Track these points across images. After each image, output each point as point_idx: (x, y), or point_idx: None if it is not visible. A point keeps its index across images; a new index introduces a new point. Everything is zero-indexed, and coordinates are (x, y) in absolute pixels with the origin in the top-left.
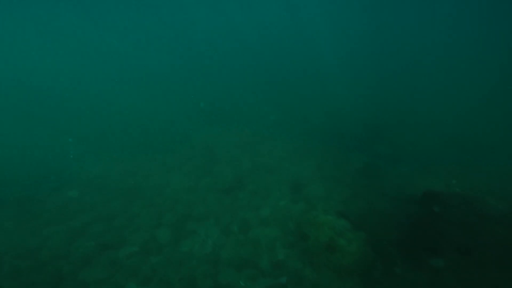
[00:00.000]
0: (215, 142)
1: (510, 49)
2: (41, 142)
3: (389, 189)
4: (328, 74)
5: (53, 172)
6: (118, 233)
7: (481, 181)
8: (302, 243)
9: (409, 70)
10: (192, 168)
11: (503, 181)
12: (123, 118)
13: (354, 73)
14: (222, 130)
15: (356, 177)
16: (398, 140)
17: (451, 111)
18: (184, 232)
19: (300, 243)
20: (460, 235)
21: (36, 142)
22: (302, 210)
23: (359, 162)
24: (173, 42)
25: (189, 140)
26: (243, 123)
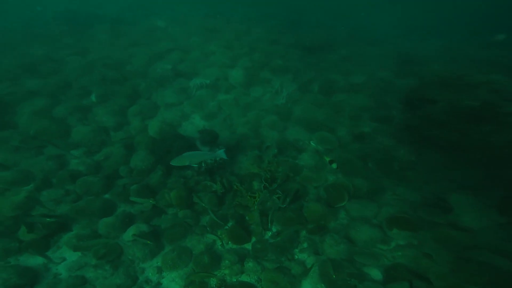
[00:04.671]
0: (306, 6)
1: None
2: None
3: None
4: None
5: (146, 2)
6: (193, 64)
7: None
8: (408, 115)
9: None
10: (276, 25)
11: None
12: None
13: None
14: None
15: None
16: None
17: None
18: (257, 79)
19: (400, 116)
20: None
21: None
22: (413, 85)
23: None
24: None
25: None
26: None
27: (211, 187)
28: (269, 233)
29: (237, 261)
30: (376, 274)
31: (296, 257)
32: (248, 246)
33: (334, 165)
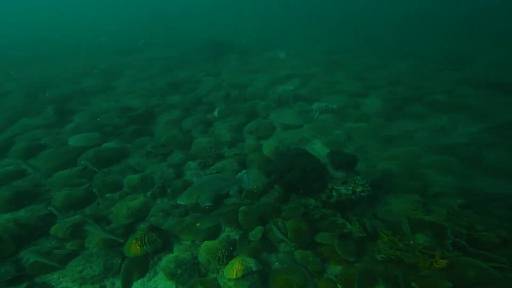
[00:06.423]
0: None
1: None
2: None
3: None
4: None
5: (270, 40)
6: (315, 90)
7: None
8: None
9: None
10: (425, 63)
11: None
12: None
13: None
14: None
15: None
16: None
17: None
18: (403, 112)
19: None
20: None
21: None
22: None
23: None
24: None
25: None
26: None
27: (343, 226)
28: None
29: None
30: None
31: None
32: None
33: None
